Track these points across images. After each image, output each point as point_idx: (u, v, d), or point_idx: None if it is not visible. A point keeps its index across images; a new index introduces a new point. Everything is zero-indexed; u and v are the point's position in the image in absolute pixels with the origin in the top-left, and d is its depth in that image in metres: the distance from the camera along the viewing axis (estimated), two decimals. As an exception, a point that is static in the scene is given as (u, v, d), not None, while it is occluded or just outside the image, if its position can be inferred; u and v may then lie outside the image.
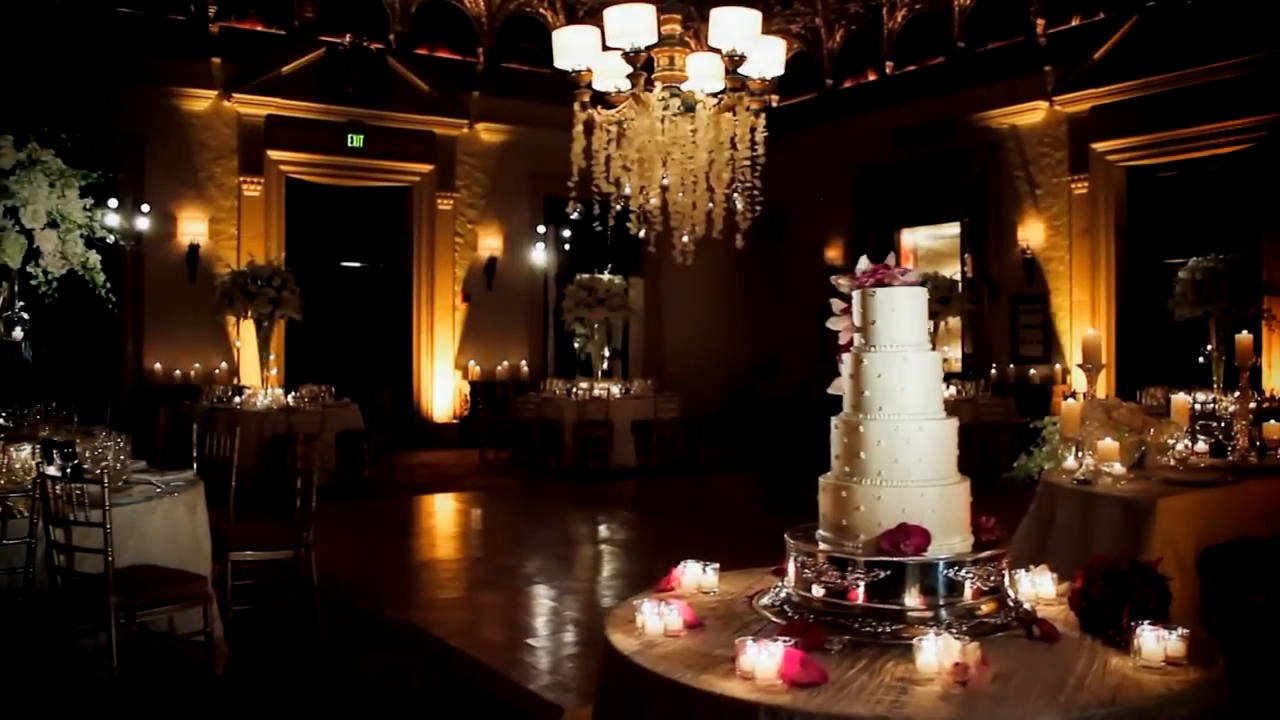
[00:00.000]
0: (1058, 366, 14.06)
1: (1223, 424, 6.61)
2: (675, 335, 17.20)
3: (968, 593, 2.85)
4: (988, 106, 14.71)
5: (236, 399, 11.56)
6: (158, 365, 13.95)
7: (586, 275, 13.64)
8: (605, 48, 6.20)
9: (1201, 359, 10.59)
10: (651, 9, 6.09)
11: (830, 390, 3.08)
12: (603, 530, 9.81)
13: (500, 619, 6.74)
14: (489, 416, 14.09)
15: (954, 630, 2.68)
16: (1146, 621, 2.70)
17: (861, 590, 2.81)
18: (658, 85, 6.80)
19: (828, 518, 2.99)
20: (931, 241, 16.48)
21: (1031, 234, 14.47)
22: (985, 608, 2.88)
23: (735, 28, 5.96)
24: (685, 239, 7.30)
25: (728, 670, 2.56)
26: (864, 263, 3.02)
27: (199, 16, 14.12)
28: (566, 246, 16.73)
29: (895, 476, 2.87)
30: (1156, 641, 2.63)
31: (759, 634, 2.76)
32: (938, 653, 2.50)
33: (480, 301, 15.97)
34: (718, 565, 3.37)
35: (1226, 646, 5.24)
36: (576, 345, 13.74)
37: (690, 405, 14.00)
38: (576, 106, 6.54)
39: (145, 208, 13.88)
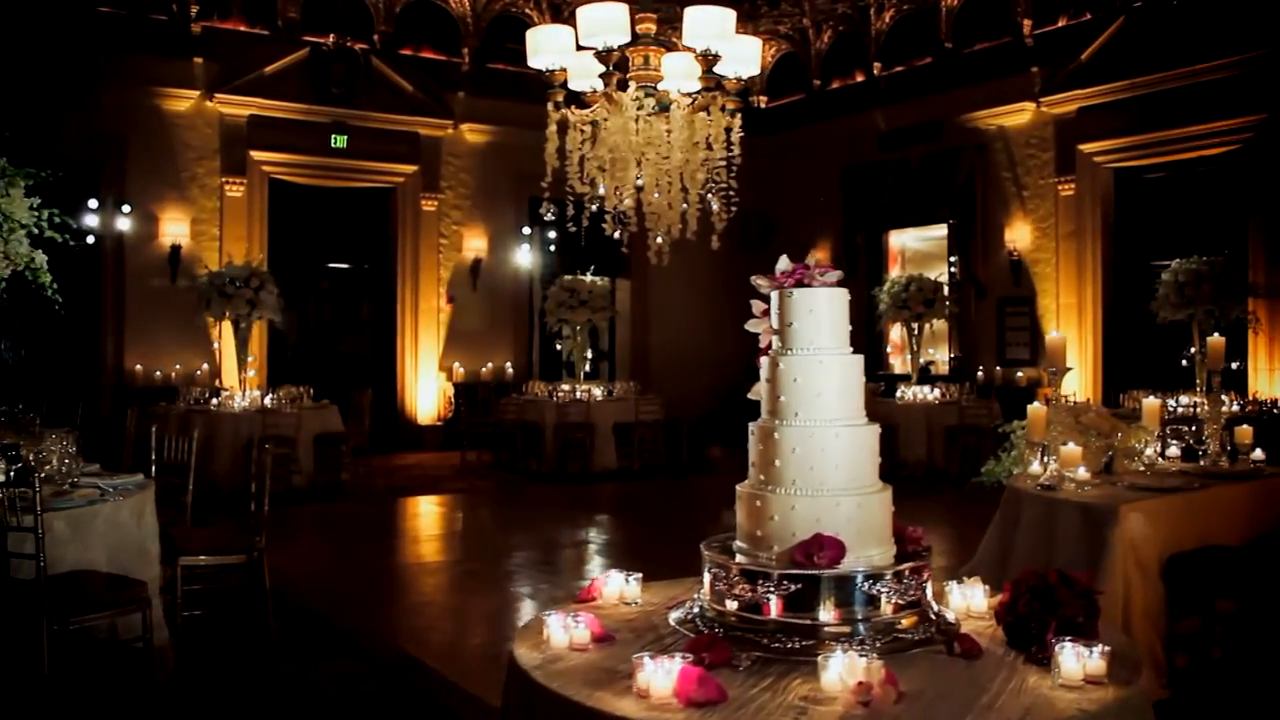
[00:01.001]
0: (1043, 369, 13.95)
1: (1193, 428, 6.51)
2: (663, 337, 17.09)
3: (886, 607, 2.75)
4: (975, 108, 14.60)
5: (214, 401, 11.47)
6: (139, 367, 13.85)
7: (569, 277, 13.54)
8: (579, 47, 6.12)
9: (1185, 362, 10.49)
10: (624, 7, 5.99)
11: (750, 395, 2.98)
12: (579, 534, 9.70)
13: (463, 625, 6.64)
14: (471, 418, 13.99)
15: (866, 646, 2.57)
16: (1067, 638, 2.59)
17: (774, 604, 2.70)
18: (632, 85, 6.71)
19: (743, 528, 2.88)
20: (919, 243, 16.39)
21: (1018, 235, 14.36)
22: (905, 622, 2.77)
23: (708, 26, 5.88)
24: (660, 240, 7.22)
25: (626, 688, 2.46)
26: (784, 262, 2.92)
27: (181, 16, 14.02)
28: (552, 248, 16.64)
29: (810, 485, 2.76)
30: (1076, 659, 2.52)
31: (669, 649, 2.66)
32: (842, 671, 2.39)
33: (465, 303, 15.86)
34: (640, 575, 3.26)
35: (1193, 655, 5.17)
36: (558, 347, 13.65)
37: (678, 407, 13.90)
38: (550, 106, 6.46)
39: (126, 208, 13.78)
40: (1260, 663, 4.99)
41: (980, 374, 14.21)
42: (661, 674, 2.38)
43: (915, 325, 12.87)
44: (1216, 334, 6.45)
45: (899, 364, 15.63)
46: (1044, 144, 14.05)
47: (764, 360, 2.89)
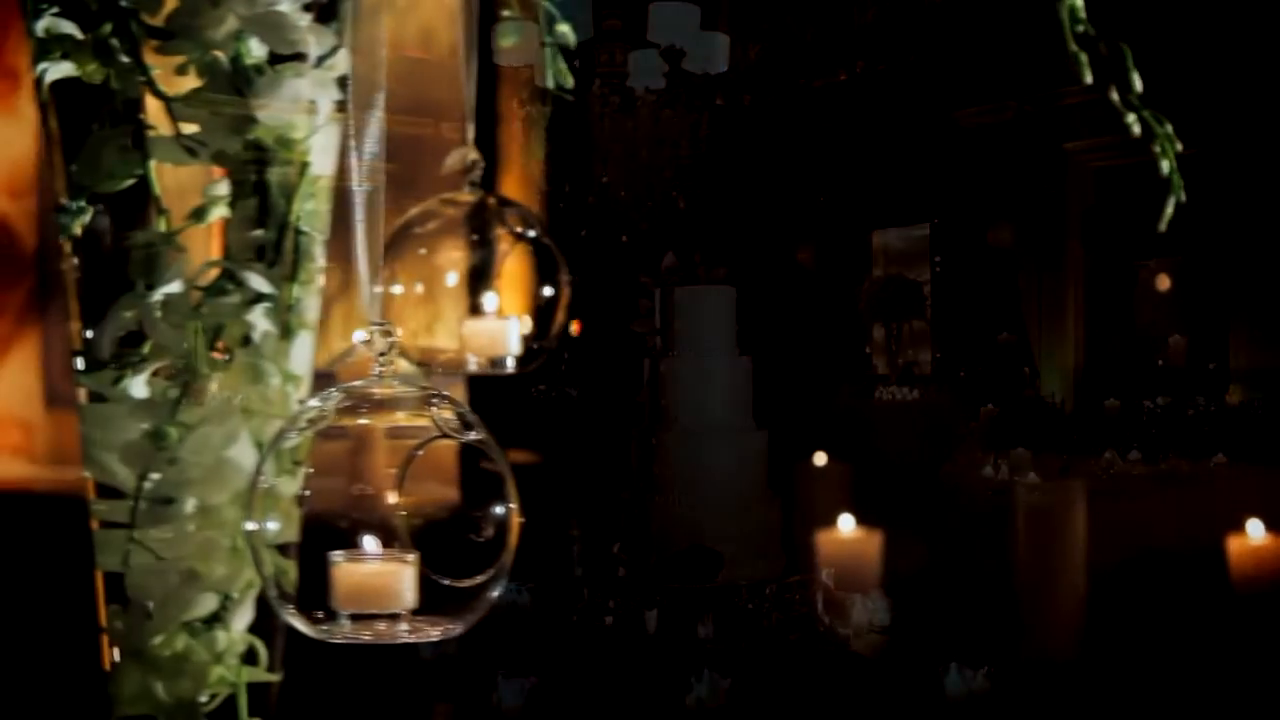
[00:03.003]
0: (1026, 370, 13.76)
1: (1155, 429, 6.42)
2: (645, 337, 16.97)
3: (769, 623, 2.60)
4: (958, 105, 14.40)
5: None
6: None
7: (545, 276, 13.43)
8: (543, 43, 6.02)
9: (1161, 362, 10.33)
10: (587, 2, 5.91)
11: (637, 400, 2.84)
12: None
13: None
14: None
15: (744, 664, 2.42)
16: (954, 664, 2.44)
17: (651, 619, 2.56)
18: (597, 81, 6.64)
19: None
20: (902, 243, 16.20)
21: (1001, 234, 14.18)
22: (790, 638, 2.63)
23: (674, 21, 5.81)
24: (624, 239, 7.13)
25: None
26: (669, 259, 2.78)
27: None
28: (532, 247, 16.54)
29: (690, 494, 2.62)
30: (962, 683, 2.37)
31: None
32: (703, 694, 2.24)
33: (444, 303, 15.76)
34: (531, 584, 3.12)
35: (1145, 665, 5.04)
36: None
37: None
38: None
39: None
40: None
41: (962, 374, 14.03)
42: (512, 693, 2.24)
43: (894, 325, 12.71)
44: (1177, 335, 6.33)
45: (881, 364, 15.45)
46: (1026, 143, 13.87)
47: (646, 362, 2.76)
